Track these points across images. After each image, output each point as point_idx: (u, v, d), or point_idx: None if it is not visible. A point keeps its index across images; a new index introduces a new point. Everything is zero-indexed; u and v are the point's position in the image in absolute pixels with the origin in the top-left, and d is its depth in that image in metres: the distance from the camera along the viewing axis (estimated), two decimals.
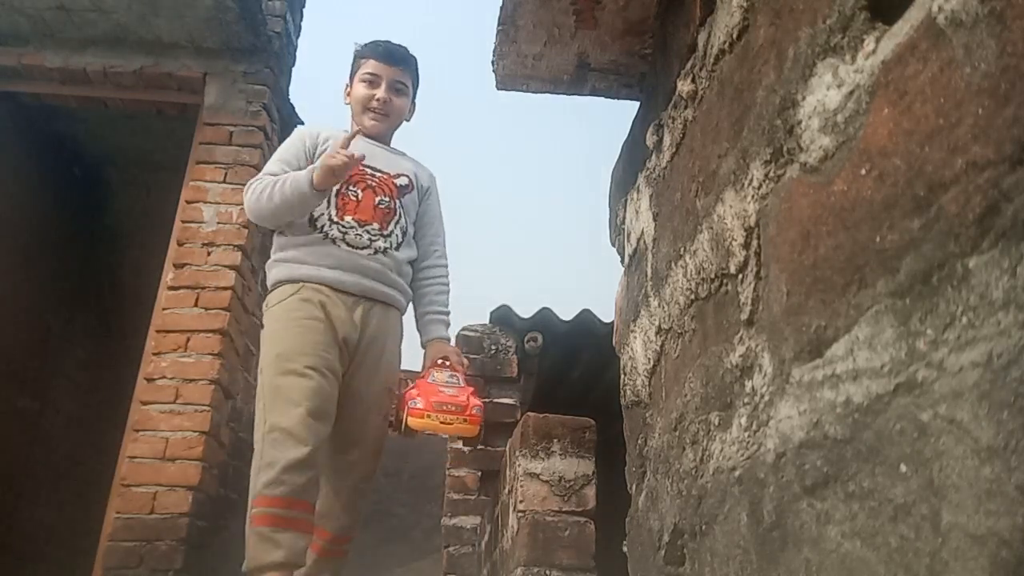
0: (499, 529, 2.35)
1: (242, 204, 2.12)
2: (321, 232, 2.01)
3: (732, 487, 0.72)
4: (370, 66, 2.19)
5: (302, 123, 3.71)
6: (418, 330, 2.19)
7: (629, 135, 1.25)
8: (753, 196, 0.71)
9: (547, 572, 1.82)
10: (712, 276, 0.81)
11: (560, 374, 3.98)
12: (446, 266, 2.24)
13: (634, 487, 1.09)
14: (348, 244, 2.02)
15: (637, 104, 1.27)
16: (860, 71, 0.55)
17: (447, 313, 2.20)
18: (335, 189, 2.04)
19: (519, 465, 1.93)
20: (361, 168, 2.09)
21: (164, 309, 3.15)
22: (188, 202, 3.32)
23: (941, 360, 0.44)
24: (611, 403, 1.66)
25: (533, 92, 1.32)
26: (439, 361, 2.07)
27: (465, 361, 2.19)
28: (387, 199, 2.11)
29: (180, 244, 3.25)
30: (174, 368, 3.05)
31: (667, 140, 1.00)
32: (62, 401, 4.61)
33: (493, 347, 3.42)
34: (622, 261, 1.25)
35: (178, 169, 3.49)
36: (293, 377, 1.87)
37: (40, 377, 4.36)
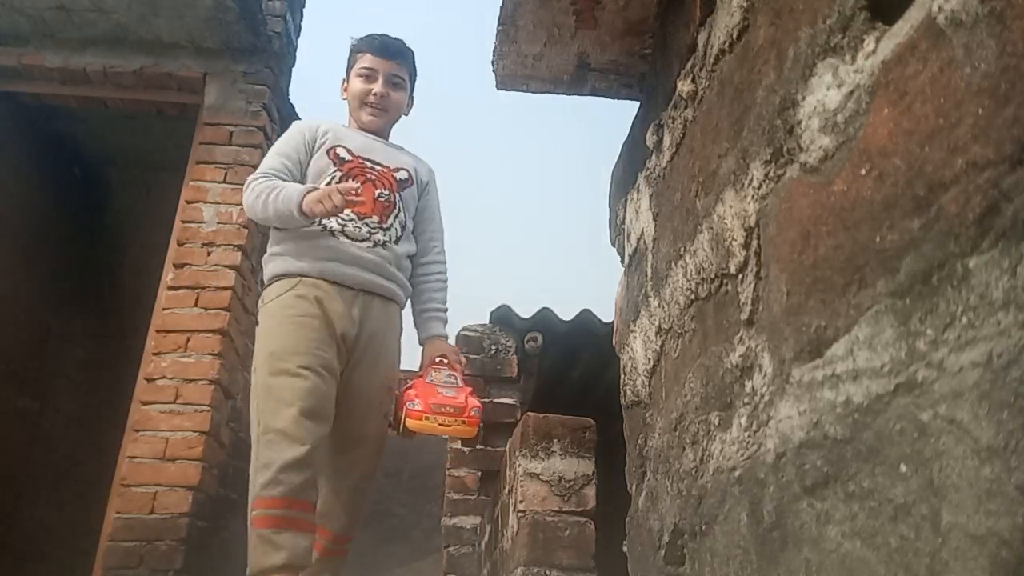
0: (499, 529, 2.35)
1: (242, 204, 2.11)
2: (319, 224, 1.98)
3: (732, 487, 0.72)
4: (366, 60, 2.16)
5: None
6: (415, 327, 2.18)
7: (629, 135, 1.25)
8: (753, 196, 0.71)
9: (547, 572, 1.82)
10: (712, 276, 0.81)
11: (560, 374, 3.98)
12: (444, 263, 2.22)
13: (634, 487, 1.09)
14: (347, 236, 1.99)
15: (637, 104, 1.27)
16: (860, 71, 0.55)
17: (445, 310, 2.18)
18: (333, 182, 2.01)
19: (519, 465, 1.93)
20: (361, 161, 2.08)
21: (164, 309, 3.15)
22: (188, 202, 3.32)
23: (941, 360, 0.44)
24: (611, 403, 1.65)
25: (533, 92, 1.32)
26: (437, 359, 2.06)
27: (463, 359, 2.18)
28: (387, 192, 2.08)
29: (180, 244, 3.25)
30: (174, 368, 3.05)
31: (667, 140, 1.00)
32: (62, 401, 4.61)
33: (493, 347, 3.42)
34: (622, 261, 1.25)
35: (178, 169, 3.49)
36: (286, 377, 1.84)
37: (40, 377, 4.36)
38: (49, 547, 4.41)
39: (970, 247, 0.42)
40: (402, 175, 2.13)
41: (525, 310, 3.49)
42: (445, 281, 2.20)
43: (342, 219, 2.00)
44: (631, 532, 1.08)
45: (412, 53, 2.24)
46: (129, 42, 3.50)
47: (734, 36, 0.78)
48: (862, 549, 0.50)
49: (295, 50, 3.90)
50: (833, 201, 0.57)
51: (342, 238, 1.98)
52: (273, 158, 2.07)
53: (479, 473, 3.27)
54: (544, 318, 3.48)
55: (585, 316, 3.51)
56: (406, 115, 2.26)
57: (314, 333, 1.89)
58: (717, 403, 0.77)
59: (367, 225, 2.02)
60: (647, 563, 0.98)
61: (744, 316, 0.72)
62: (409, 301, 2.16)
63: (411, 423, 1.91)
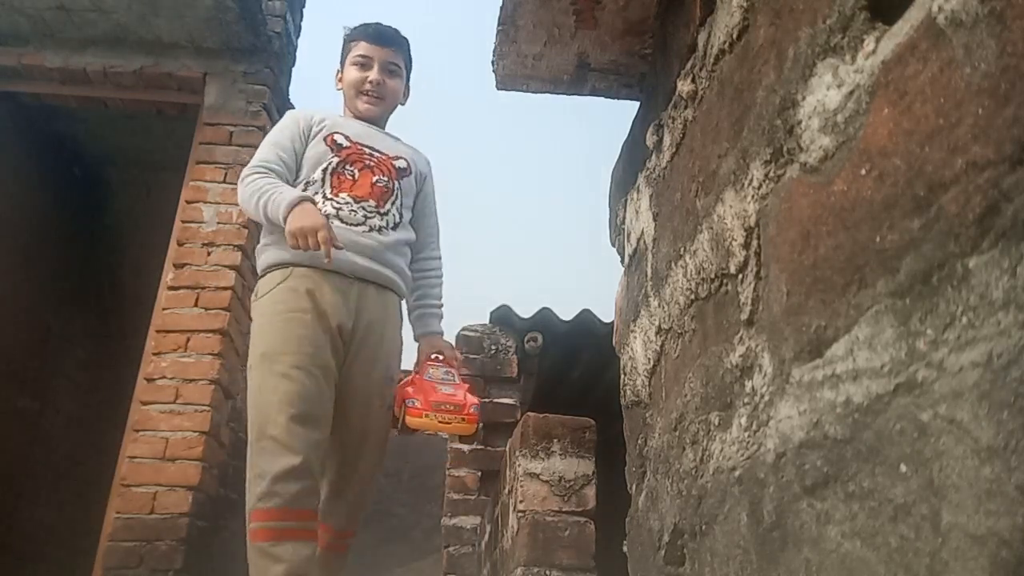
0: (499, 529, 2.35)
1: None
2: None
3: (732, 487, 0.72)
4: (361, 48, 2.13)
5: None
6: (411, 324, 2.15)
7: (629, 135, 1.25)
8: (753, 196, 0.71)
9: (547, 572, 1.82)
10: (712, 276, 0.81)
11: (560, 374, 3.98)
12: (440, 258, 2.20)
13: (634, 487, 1.09)
14: (342, 220, 1.94)
15: (637, 104, 1.27)
16: (860, 71, 0.55)
17: (441, 307, 2.16)
18: (331, 168, 1.99)
19: (519, 465, 1.93)
20: (359, 147, 2.05)
21: (164, 309, 3.15)
22: (188, 202, 3.32)
23: (941, 360, 0.44)
24: (611, 403, 1.65)
25: (533, 92, 1.32)
26: (433, 356, 2.04)
27: (459, 356, 2.16)
28: (385, 179, 2.04)
29: (180, 244, 3.25)
30: (174, 368, 3.05)
31: (667, 140, 1.00)
32: (62, 401, 4.61)
33: (493, 347, 3.42)
34: (622, 261, 1.25)
35: (178, 169, 3.49)
36: (277, 379, 1.80)
37: (40, 377, 4.36)
38: (49, 547, 4.41)
39: (970, 247, 0.42)
40: (401, 164, 2.10)
41: (525, 310, 3.50)
42: (441, 277, 2.18)
43: (337, 203, 1.96)
44: (631, 532, 1.08)
45: (407, 41, 2.21)
46: (129, 42, 3.50)
47: (734, 36, 0.78)
48: (862, 549, 0.50)
49: (295, 50, 3.90)
50: (833, 201, 0.57)
51: (336, 223, 1.92)
52: (267, 149, 2.03)
53: (479, 473, 3.27)
54: (544, 318, 3.48)
55: (585, 316, 3.51)
56: (402, 104, 2.22)
57: (305, 330, 1.84)
58: (717, 403, 0.77)
59: (363, 209, 1.97)
60: (647, 563, 0.98)
61: (744, 316, 0.72)
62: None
63: (411, 421, 1.90)
